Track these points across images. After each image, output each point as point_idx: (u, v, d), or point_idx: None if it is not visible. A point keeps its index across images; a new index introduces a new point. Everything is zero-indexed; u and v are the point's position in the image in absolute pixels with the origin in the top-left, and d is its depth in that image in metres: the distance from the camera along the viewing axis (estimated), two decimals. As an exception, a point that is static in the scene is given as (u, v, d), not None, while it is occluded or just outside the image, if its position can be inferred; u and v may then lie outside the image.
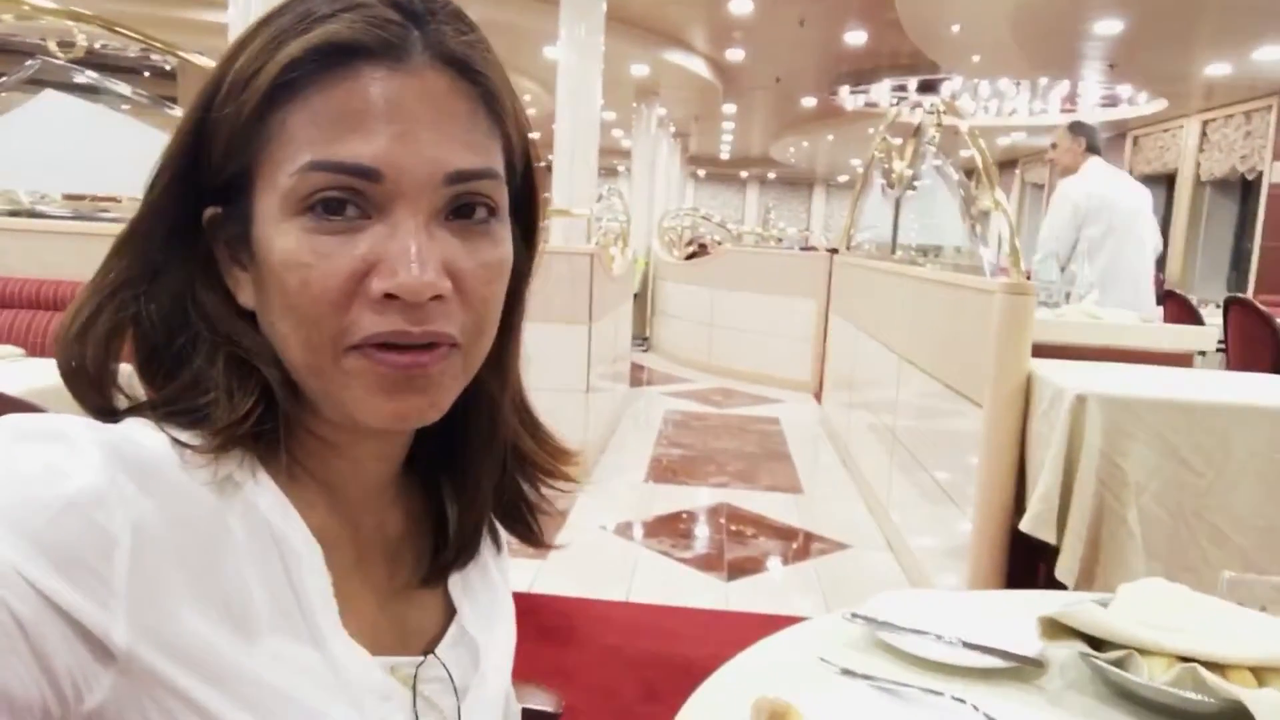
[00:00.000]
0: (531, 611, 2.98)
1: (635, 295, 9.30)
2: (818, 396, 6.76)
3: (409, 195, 0.47)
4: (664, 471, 4.81)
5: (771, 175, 25.54)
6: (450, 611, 0.60)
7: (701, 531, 3.88)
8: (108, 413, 0.50)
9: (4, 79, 3.59)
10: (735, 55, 10.54)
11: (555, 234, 6.78)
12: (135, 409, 0.50)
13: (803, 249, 11.36)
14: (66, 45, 3.27)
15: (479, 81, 0.50)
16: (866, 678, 0.79)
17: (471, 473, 0.59)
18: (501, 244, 0.51)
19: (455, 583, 0.61)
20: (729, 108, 14.33)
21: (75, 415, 0.47)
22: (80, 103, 3.43)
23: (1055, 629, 0.84)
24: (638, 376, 7.63)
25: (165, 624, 0.42)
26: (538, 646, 2.73)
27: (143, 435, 0.46)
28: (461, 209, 0.49)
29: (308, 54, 0.46)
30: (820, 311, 6.94)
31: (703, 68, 10.80)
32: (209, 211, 0.50)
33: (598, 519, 3.90)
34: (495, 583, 0.65)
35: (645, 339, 9.59)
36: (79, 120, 3.36)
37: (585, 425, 4.54)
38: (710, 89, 11.76)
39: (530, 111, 13.65)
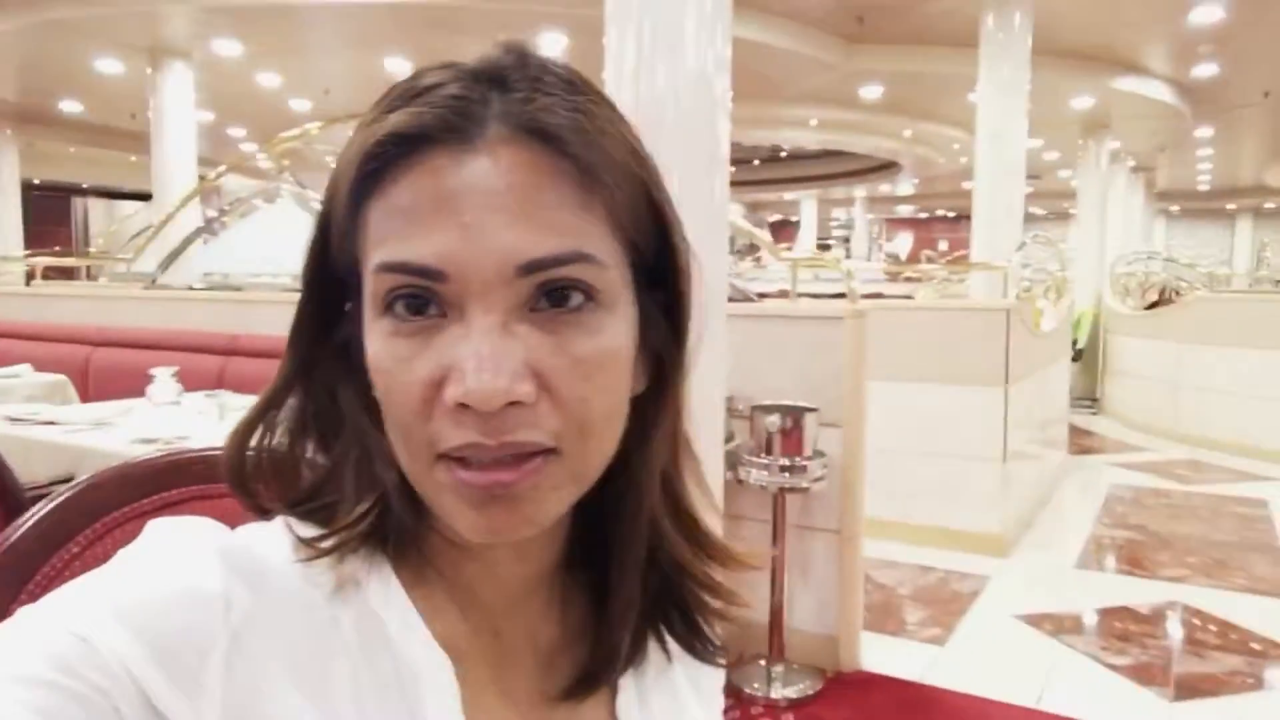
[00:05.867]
0: (920, 705, 2.71)
1: (1080, 351, 8.33)
2: (1327, 474, 5.40)
3: (478, 292, 0.43)
4: (1102, 556, 4.16)
5: (1270, 205, 21.46)
6: None
7: (1144, 634, 3.25)
8: (265, 511, 0.51)
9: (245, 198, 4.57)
10: (1206, 71, 9.08)
11: (977, 287, 6.33)
12: (287, 506, 0.51)
13: (1312, 291, 9.31)
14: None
15: (569, 152, 0.44)
16: None
17: (611, 574, 0.54)
18: (603, 334, 0.45)
19: (628, 699, 0.54)
20: (1204, 132, 12.36)
21: (212, 519, 0.49)
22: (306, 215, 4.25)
23: None
24: (1082, 443, 6.77)
25: None
26: (923, 746, 2.47)
27: (265, 538, 0.47)
28: (553, 296, 0.44)
29: (376, 147, 0.44)
30: (1328, 368, 5.58)
31: (1163, 91, 9.46)
32: (349, 305, 0.50)
33: (1011, 606, 3.47)
34: (684, 701, 0.57)
35: (1094, 400, 8.53)
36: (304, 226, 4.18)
37: (1001, 497, 4.10)
38: (1176, 114, 10.25)
39: (962, 160, 13.03)
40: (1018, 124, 6.01)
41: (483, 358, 0.42)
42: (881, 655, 3.00)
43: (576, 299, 0.44)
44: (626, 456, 0.50)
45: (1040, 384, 4.85)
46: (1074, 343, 7.75)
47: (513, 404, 0.42)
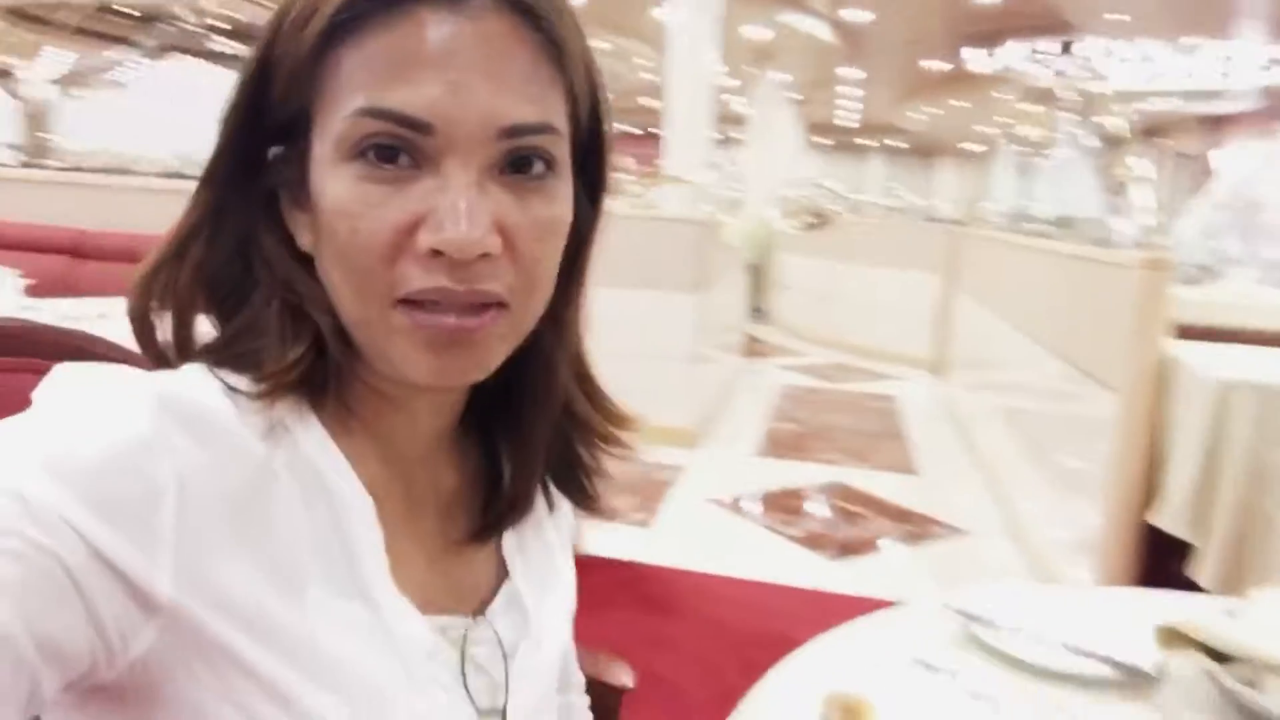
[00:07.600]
0: (634, 581, 2.98)
1: (753, 266, 9.18)
2: (937, 374, 6.52)
3: (461, 148, 0.45)
4: (775, 446, 4.73)
5: (898, 144, 24.68)
6: (504, 573, 0.59)
7: (811, 509, 3.80)
8: (169, 359, 0.50)
9: (136, 47, 3.81)
10: (858, 16, 10.15)
11: (667, 201, 6.73)
12: (196, 354, 0.50)
13: (929, 221, 10.92)
14: (199, 12, 3.43)
15: (543, 28, 0.47)
16: (952, 675, 0.73)
17: (524, 430, 0.58)
18: (556, 201, 0.49)
19: (509, 543, 0.60)
20: (854, 73, 13.86)
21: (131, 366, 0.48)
22: (209, 68, 3.60)
23: (1176, 639, 0.76)
24: (753, 348, 7.53)
25: (210, 576, 0.42)
26: (640, 615, 2.74)
27: (196, 384, 0.46)
28: (517, 163, 0.47)
29: None
30: (942, 286, 6.67)
31: (823, 30, 10.45)
32: (273, 151, 0.49)
33: (705, 491, 3.87)
34: (551, 545, 0.64)
35: (762, 310, 9.46)
36: (207, 86, 3.53)
37: (691, 395, 4.50)
38: (831, 52, 11.39)
39: (643, 75, 13.49)
40: (706, 44, 6.33)
41: (461, 211, 0.44)
42: (598, 539, 3.24)
43: (539, 167, 0.48)
44: (543, 323, 0.53)
45: (723, 292, 5.32)
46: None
47: (483, 256, 0.45)
